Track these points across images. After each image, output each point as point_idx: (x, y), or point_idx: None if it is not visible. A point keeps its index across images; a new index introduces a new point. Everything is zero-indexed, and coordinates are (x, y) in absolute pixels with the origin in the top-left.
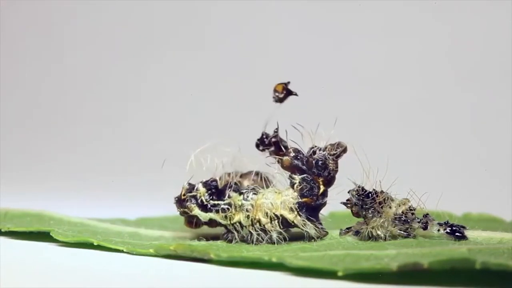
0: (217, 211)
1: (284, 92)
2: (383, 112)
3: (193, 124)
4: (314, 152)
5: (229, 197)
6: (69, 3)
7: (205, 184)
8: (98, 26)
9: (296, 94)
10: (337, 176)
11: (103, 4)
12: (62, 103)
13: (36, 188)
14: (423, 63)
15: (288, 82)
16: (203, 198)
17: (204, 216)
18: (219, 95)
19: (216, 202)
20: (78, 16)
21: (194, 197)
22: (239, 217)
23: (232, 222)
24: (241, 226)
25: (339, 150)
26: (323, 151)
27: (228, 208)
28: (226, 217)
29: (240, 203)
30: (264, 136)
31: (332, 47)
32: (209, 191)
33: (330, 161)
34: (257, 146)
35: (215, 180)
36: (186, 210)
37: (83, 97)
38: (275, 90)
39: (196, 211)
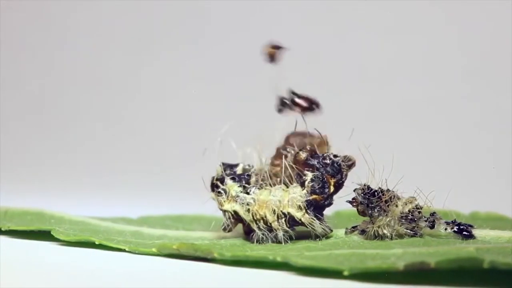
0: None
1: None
2: (389, 109)
3: (195, 123)
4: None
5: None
6: (69, 2)
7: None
8: (98, 24)
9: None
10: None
11: (103, 3)
12: (63, 101)
13: (37, 187)
14: (430, 60)
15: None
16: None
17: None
18: (221, 93)
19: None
20: (77, 15)
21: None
22: (231, 205)
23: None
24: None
25: (349, 162)
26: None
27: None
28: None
29: (234, 193)
30: (283, 99)
31: (337, 43)
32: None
33: (344, 167)
34: (280, 110)
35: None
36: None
37: (83, 95)
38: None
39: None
